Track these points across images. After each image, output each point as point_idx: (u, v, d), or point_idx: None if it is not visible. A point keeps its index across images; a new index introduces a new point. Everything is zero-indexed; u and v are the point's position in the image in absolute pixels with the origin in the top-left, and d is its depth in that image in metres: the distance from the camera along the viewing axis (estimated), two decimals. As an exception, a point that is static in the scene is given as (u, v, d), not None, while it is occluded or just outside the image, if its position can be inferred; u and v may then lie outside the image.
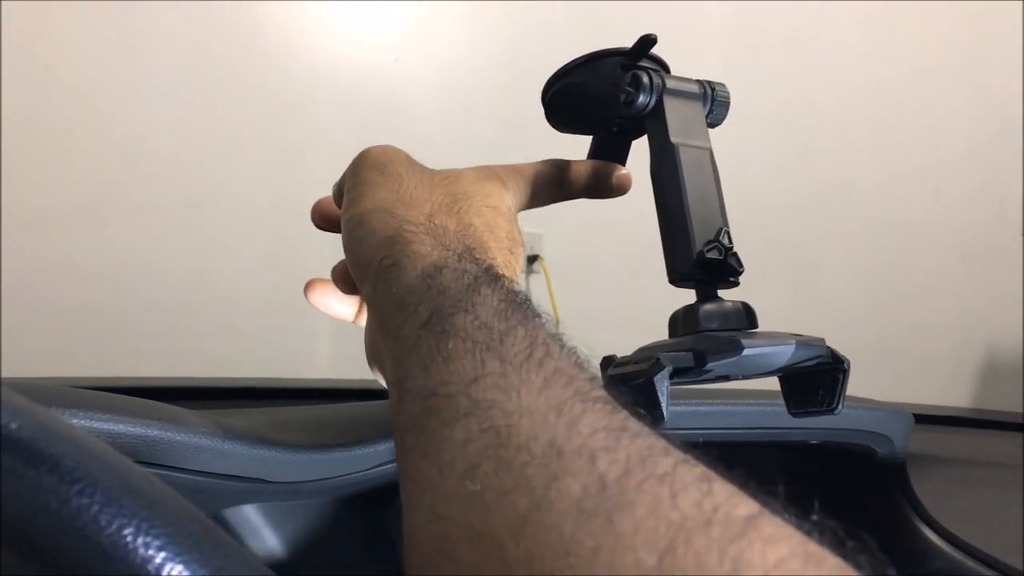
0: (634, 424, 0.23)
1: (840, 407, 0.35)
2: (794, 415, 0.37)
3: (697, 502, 0.20)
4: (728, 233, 0.36)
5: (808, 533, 0.20)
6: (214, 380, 0.79)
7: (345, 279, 0.42)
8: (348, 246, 0.37)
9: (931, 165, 1.96)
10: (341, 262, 0.42)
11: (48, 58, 1.40)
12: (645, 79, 0.38)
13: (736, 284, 0.37)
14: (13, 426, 0.20)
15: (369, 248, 0.35)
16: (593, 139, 0.46)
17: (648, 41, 0.40)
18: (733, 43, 1.78)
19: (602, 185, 0.45)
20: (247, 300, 1.51)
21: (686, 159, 0.38)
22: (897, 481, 0.63)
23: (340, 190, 0.41)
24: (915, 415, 0.64)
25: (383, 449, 0.44)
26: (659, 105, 0.39)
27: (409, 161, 0.40)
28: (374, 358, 0.36)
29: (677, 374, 0.33)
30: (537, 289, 1.65)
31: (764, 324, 0.36)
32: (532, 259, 1.66)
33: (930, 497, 0.62)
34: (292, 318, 1.48)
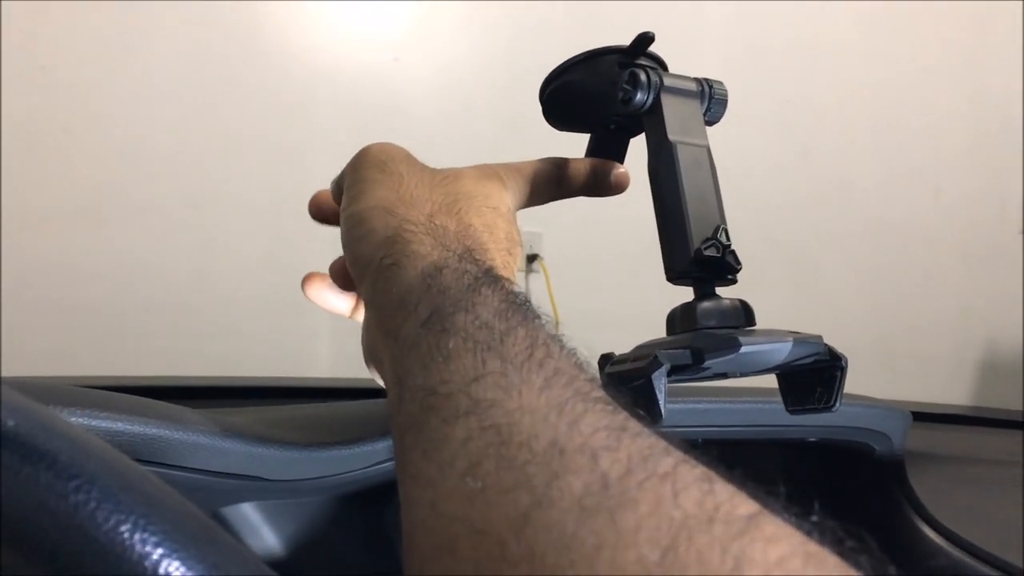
0: (634, 424, 0.23)
1: (838, 404, 0.35)
2: (792, 413, 0.37)
3: (699, 501, 0.20)
4: (726, 231, 0.36)
5: (808, 533, 0.20)
6: (214, 379, 0.79)
7: (342, 275, 0.42)
8: (347, 244, 0.37)
9: (931, 165, 1.96)
10: (339, 258, 0.42)
11: (47, 58, 1.40)
12: (643, 77, 0.38)
13: (734, 282, 0.37)
14: (10, 423, 0.20)
15: (369, 247, 0.35)
16: (591, 137, 0.46)
17: (646, 39, 0.40)
18: (733, 43, 1.78)
19: (600, 183, 0.45)
20: (247, 300, 1.51)
21: (684, 157, 0.38)
22: (895, 479, 0.63)
23: (339, 186, 0.41)
24: (914, 413, 0.64)
25: (381, 447, 0.44)
26: (657, 103, 0.39)
27: (410, 159, 0.40)
28: (372, 357, 0.36)
29: (675, 372, 0.33)
30: (536, 288, 1.65)
31: (764, 323, 0.36)
32: (532, 258, 1.66)
33: (929, 495, 0.62)
34: (292, 318, 1.48)
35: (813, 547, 0.19)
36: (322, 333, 1.52)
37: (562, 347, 0.28)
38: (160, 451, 0.36)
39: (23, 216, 1.39)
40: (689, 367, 0.33)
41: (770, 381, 0.39)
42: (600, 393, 0.25)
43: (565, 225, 1.60)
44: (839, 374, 0.35)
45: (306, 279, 0.44)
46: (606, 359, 0.36)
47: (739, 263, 0.36)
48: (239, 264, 1.53)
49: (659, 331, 0.36)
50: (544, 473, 0.21)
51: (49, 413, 0.21)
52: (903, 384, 1.87)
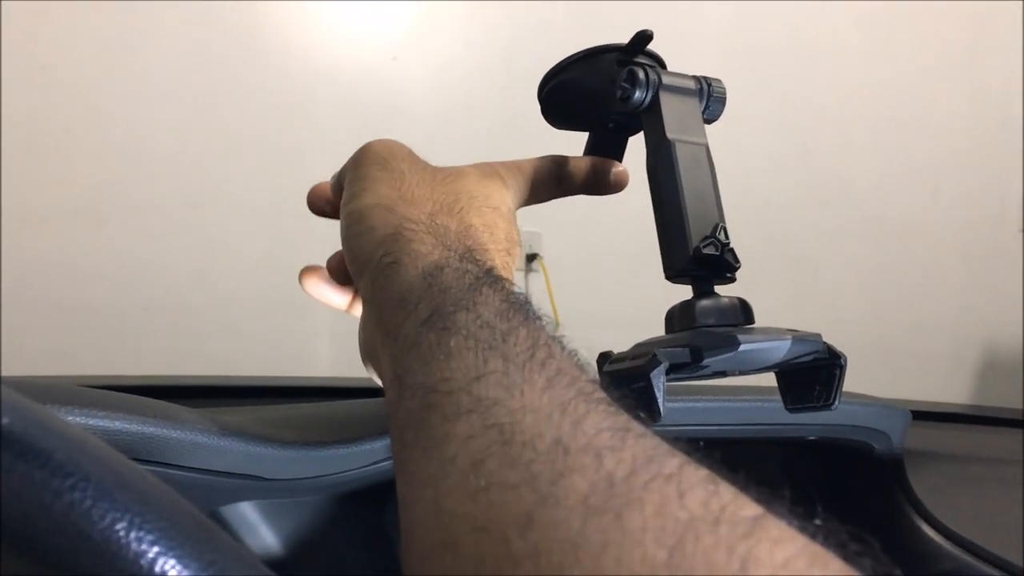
0: (637, 426, 0.23)
1: (837, 403, 0.35)
2: (791, 411, 0.37)
3: (704, 502, 0.20)
4: (724, 229, 0.36)
5: (811, 536, 0.20)
6: (213, 379, 0.79)
7: (340, 270, 0.42)
8: (346, 240, 0.37)
9: (930, 164, 1.96)
10: (336, 253, 0.42)
11: (48, 58, 1.40)
12: (641, 75, 0.38)
13: (733, 280, 0.37)
14: (5, 421, 0.20)
15: (369, 244, 0.35)
16: (589, 136, 0.46)
17: (644, 37, 0.40)
18: (733, 43, 1.78)
19: (599, 181, 0.45)
20: (247, 300, 1.51)
21: (682, 155, 0.37)
22: (895, 477, 0.63)
23: (340, 181, 0.41)
24: (913, 412, 0.64)
25: (380, 446, 0.44)
26: (655, 101, 0.39)
27: (411, 157, 0.40)
28: (369, 355, 0.36)
29: (674, 370, 0.33)
30: (536, 288, 1.65)
31: (763, 322, 0.36)
32: (531, 258, 1.66)
33: (929, 494, 0.62)
34: (292, 318, 1.48)
35: (818, 549, 0.19)
36: (322, 333, 1.52)
37: (563, 348, 0.28)
38: (158, 450, 0.36)
39: (23, 216, 1.39)
40: (688, 365, 0.33)
41: (769, 379, 0.39)
42: (602, 394, 0.25)
43: (565, 225, 1.60)
44: (838, 372, 0.35)
45: (303, 272, 0.44)
46: (604, 358, 0.36)
47: (738, 261, 0.36)
48: (239, 264, 1.53)
49: (659, 330, 0.36)
50: (549, 472, 0.21)
51: (45, 411, 0.21)
52: (902, 383, 1.87)
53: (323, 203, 0.44)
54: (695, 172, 0.38)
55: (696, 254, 0.35)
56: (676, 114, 0.39)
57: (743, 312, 0.36)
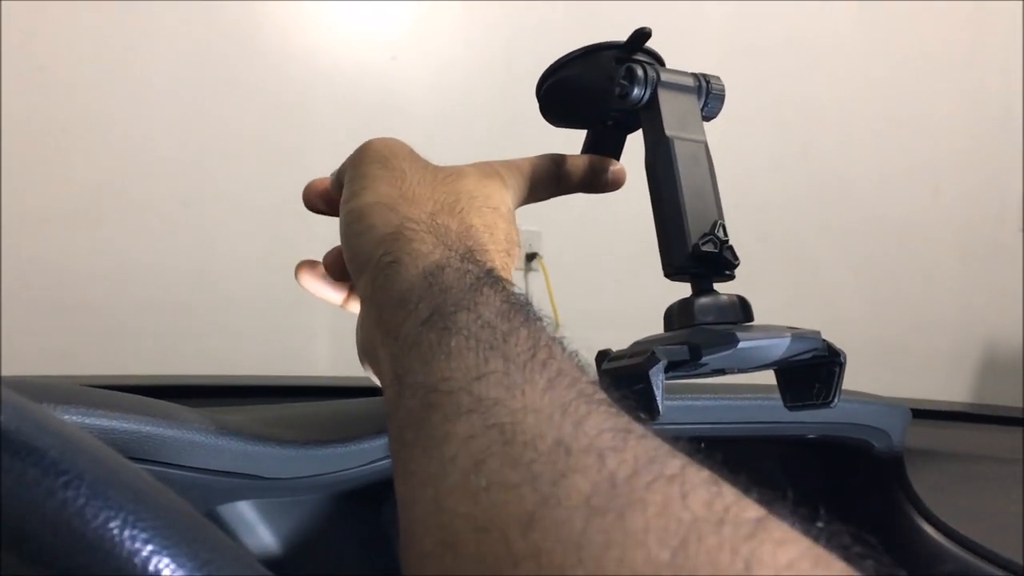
0: (638, 427, 0.23)
1: (836, 400, 0.35)
2: (790, 409, 0.37)
3: (707, 503, 0.20)
4: (723, 226, 0.36)
5: (814, 538, 0.20)
6: (213, 378, 0.79)
7: (336, 267, 0.42)
8: (346, 239, 0.37)
9: (930, 163, 1.96)
10: (333, 249, 0.42)
11: (47, 58, 1.40)
12: (639, 72, 0.38)
13: (732, 277, 0.37)
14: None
15: (369, 243, 0.35)
16: (587, 134, 0.46)
17: (643, 34, 0.40)
18: (733, 42, 1.78)
19: (597, 180, 0.45)
20: (246, 299, 1.51)
21: (681, 152, 0.37)
22: (895, 476, 0.63)
23: (340, 179, 0.41)
24: (913, 411, 0.64)
25: (378, 445, 0.44)
26: (654, 98, 0.39)
27: (412, 155, 0.40)
28: (367, 354, 0.36)
29: (672, 368, 0.33)
30: (536, 287, 1.65)
31: (762, 320, 0.36)
32: (531, 257, 1.66)
33: (928, 492, 0.62)
34: (291, 317, 1.48)
35: (821, 551, 0.19)
36: (321, 332, 1.52)
37: (564, 349, 0.28)
38: (155, 449, 0.36)
39: (23, 216, 1.39)
40: (686, 363, 0.33)
41: (769, 377, 0.38)
42: (603, 396, 0.25)
43: (564, 224, 1.60)
44: (838, 370, 0.35)
45: (300, 267, 0.44)
46: (603, 356, 0.35)
47: (737, 258, 0.36)
48: (238, 264, 1.53)
49: (658, 329, 0.36)
50: (551, 472, 0.21)
51: (40, 410, 0.21)
52: (902, 381, 1.87)
53: (318, 200, 0.44)
54: (694, 169, 0.37)
55: (695, 251, 0.35)
56: (675, 111, 0.39)
57: (742, 310, 0.36)
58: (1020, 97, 1.95)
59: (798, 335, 0.34)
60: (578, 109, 0.44)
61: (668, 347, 0.32)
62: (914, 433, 0.64)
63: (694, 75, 0.41)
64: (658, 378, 0.31)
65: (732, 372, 0.37)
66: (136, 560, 0.19)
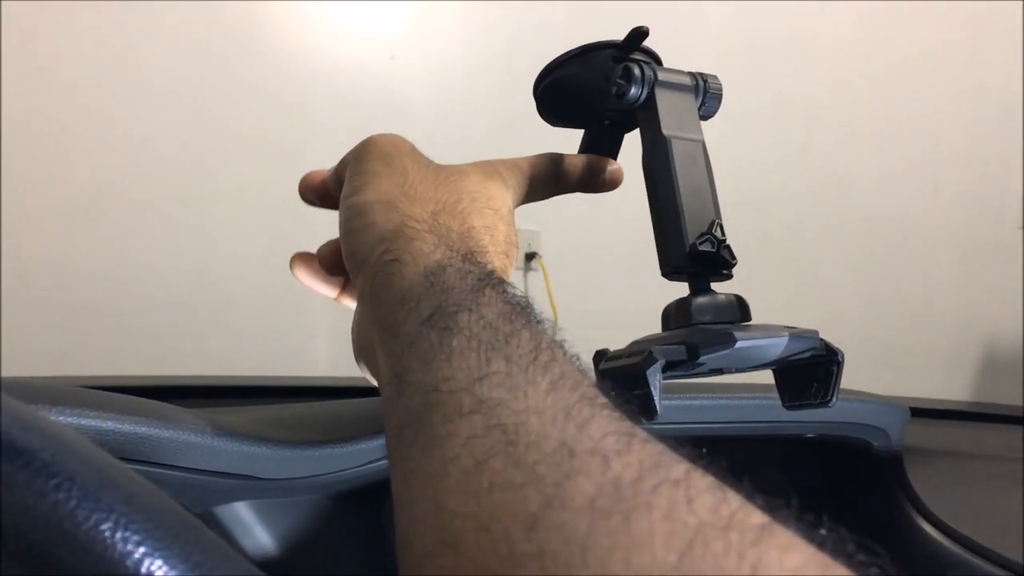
0: (641, 431, 0.23)
1: (834, 399, 0.35)
2: (788, 408, 0.37)
3: (713, 508, 0.20)
4: (721, 225, 0.36)
5: (819, 544, 0.20)
6: (212, 379, 0.79)
7: (331, 261, 0.41)
8: (346, 235, 0.37)
9: (930, 162, 1.96)
10: (329, 242, 0.42)
11: (47, 58, 1.40)
12: (636, 71, 0.38)
13: (729, 277, 0.37)
14: (-11, 420, 0.19)
15: (369, 240, 0.35)
16: (585, 133, 0.46)
17: (640, 33, 0.40)
18: (732, 42, 1.78)
19: (595, 179, 0.45)
20: (245, 300, 1.51)
21: (678, 152, 0.37)
22: (894, 474, 0.63)
23: (340, 174, 0.41)
24: (912, 409, 0.64)
25: (375, 445, 0.44)
26: (651, 97, 0.38)
27: (414, 153, 0.40)
28: (363, 352, 0.35)
29: (670, 367, 0.32)
30: (535, 287, 1.65)
31: (761, 320, 0.36)
32: (530, 256, 1.66)
33: (928, 491, 0.62)
34: (291, 317, 1.48)
35: (826, 558, 0.19)
36: (320, 332, 1.52)
37: (565, 352, 0.28)
38: (151, 450, 0.36)
39: (23, 216, 1.39)
40: (684, 363, 0.33)
41: (767, 377, 0.38)
42: (605, 399, 0.25)
43: (564, 223, 1.60)
44: (836, 369, 0.35)
45: (294, 259, 0.44)
46: (601, 355, 0.35)
47: (734, 258, 0.36)
48: (237, 264, 1.53)
49: (657, 328, 0.36)
50: (555, 474, 0.21)
51: (30, 411, 0.21)
52: (901, 380, 1.87)
53: (313, 193, 0.44)
54: (691, 168, 0.37)
55: (692, 251, 0.35)
56: (672, 110, 0.38)
57: (740, 309, 0.35)
58: (1020, 97, 1.95)
59: (796, 334, 0.34)
60: (575, 108, 0.44)
61: (666, 347, 0.32)
62: (913, 432, 0.64)
63: (691, 74, 0.41)
64: (656, 378, 0.31)
65: (730, 372, 0.36)
66: (128, 562, 0.19)
